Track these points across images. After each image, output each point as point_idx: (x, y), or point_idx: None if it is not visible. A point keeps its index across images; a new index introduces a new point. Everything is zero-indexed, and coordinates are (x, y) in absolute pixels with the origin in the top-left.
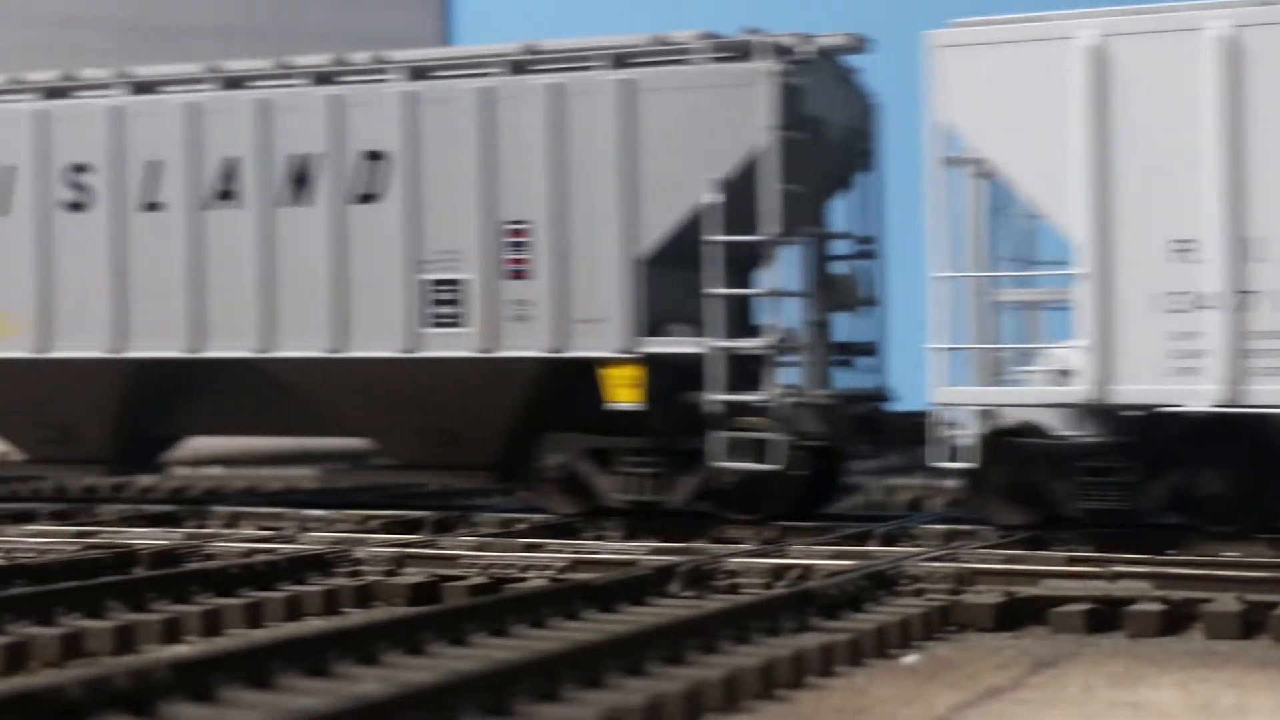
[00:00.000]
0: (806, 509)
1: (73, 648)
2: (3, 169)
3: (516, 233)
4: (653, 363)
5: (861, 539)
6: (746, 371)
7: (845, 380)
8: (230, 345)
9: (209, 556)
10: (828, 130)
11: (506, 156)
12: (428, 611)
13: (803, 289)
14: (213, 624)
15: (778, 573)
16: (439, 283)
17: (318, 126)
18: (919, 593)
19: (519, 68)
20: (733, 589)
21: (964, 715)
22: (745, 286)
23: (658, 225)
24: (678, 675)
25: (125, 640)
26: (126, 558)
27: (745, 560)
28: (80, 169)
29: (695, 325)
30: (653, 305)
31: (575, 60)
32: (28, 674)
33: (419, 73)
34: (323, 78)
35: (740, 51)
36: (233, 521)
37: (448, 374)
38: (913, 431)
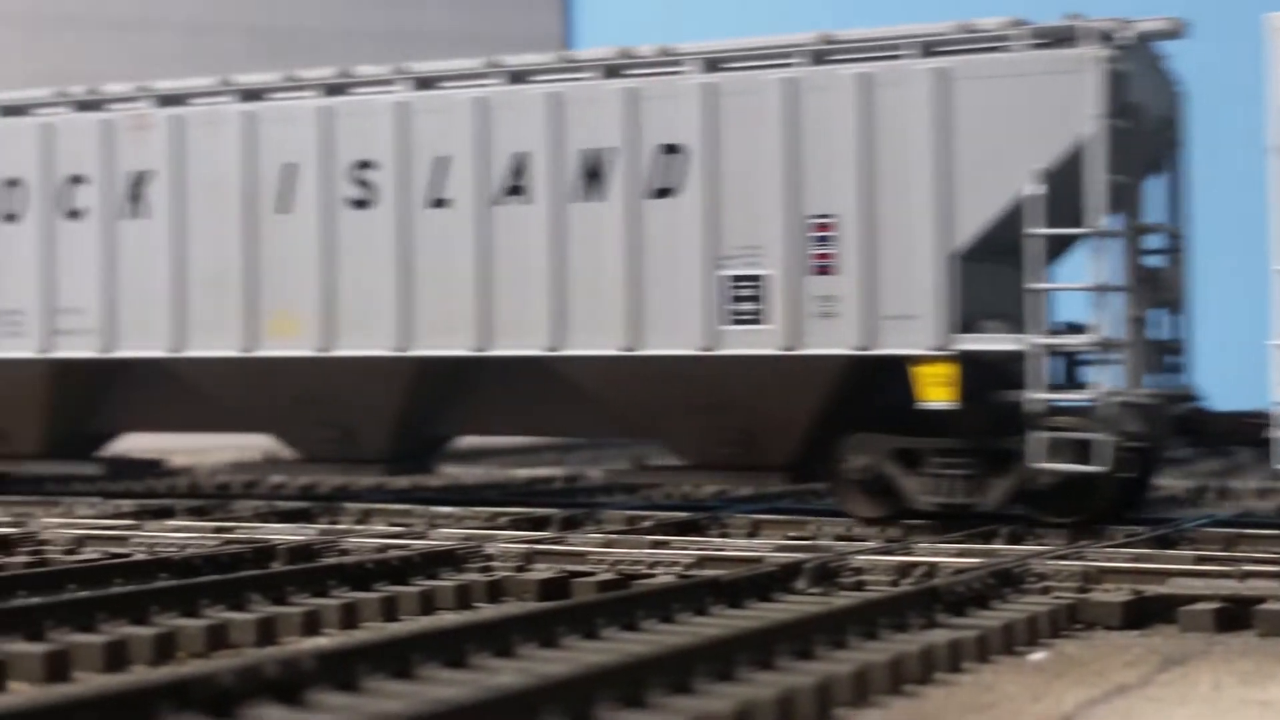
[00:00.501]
0: (1121, 511)
1: (218, 639)
2: (285, 166)
3: (822, 227)
4: (964, 360)
5: (987, 537)
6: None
7: (1156, 379)
8: (519, 344)
9: (344, 552)
10: (1145, 119)
11: (811, 148)
12: (560, 605)
13: (1124, 283)
14: (350, 617)
15: (903, 570)
16: (739, 279)
17: (612, 120)
18: (1046, 590)
19: (819, 57)
20: (859, 586)
21: (1092, 712)
22: (1048, 280)
23: (974, 218)
24: (808, 670)
25: (267, 632)
26: (265, 552)
27: (871, 558)
28: (365, 165)
29: (1006, 321)
30: (965, 300)
31: (881, 49)
32: (176, 664)
33: (713, 64)
34: (612, 70)
35: (1061, 38)
36: (364, 518)
37: (746, 372)
38: (1235, 433)
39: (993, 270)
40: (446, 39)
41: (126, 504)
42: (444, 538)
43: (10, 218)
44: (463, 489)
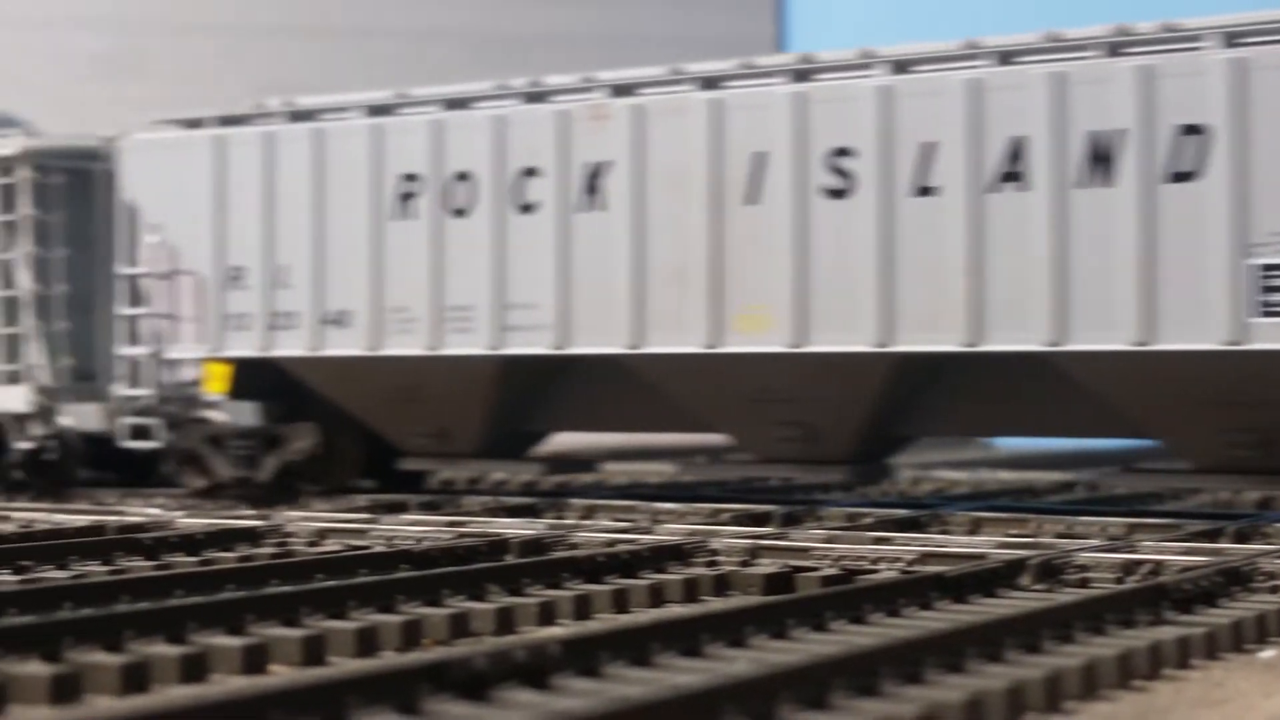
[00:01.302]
0: None
1: (460, 627)
2: (754, 155)
3: None
4: None
5: (1212, 536)
6: None
7: None
8: (1015, 338)
9: (573, 546)
10: None
11: None
12: (789, 598)
13: None
14: (584, 608)
15: (1128, 568)
16: (1271, 268)
17: (1123, 100)
18: (1275, 589)
19: None
20: (1084, 583)
21: None
22: None
23: None
24: (1036, 663)
25: (505, 621)
26: (498, 546)
27: (1095, 555)
28: (842, 153)
29: None
30: None
31: None
32: (421, 650)
33: (1233, 38)
34: (1113, 48)
35: None
36: (588, 513)
37: (1277, 368)
38: None
39: None
40: (658, 42)
41: (361, 499)
42: (669, 533)
43: (459, 212)
44: (681, 486)
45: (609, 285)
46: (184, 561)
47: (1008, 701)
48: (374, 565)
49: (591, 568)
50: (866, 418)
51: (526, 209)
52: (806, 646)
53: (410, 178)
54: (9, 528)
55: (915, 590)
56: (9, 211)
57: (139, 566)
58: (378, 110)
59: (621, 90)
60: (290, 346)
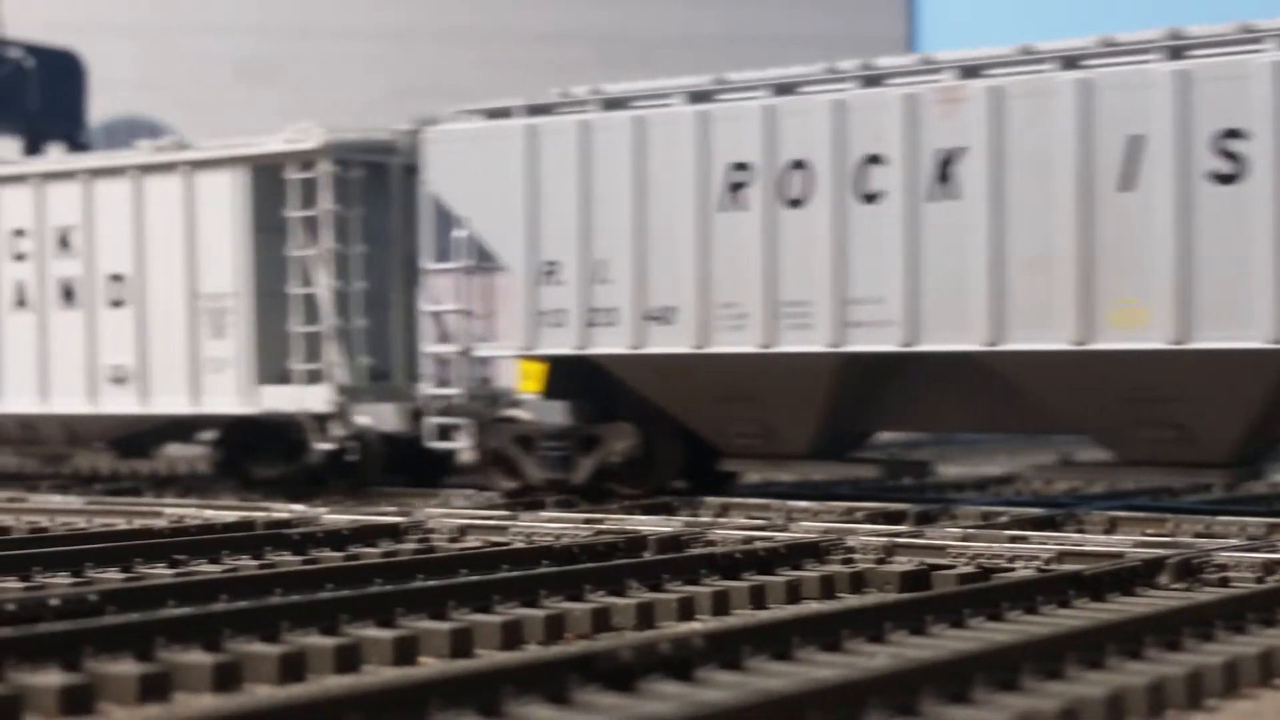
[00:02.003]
0: None
1: (601, 622)
2: (1130, 139)
3: None
4: None
5: None
6: None
7: None
8: None
9: (711, 543)
10: None
11: None
12: (928, 595)
13: None
14: (722, 604)
15: (1268, 567)
16: None
17: None
18: None
19: None
20: (1223, 582)
21: None
22: None
23: None
24: (1177, 661)
25: (646, 616)
26: (636, 542)
27: (1235, 554)
28: (1232, 135)
29: None
30: None
31: None
32: (564, 644)
33: None
34: None
35: None
36: (722, 511)
37: None
38: None
39: None
40: (784, 41)
41: (499, 496)
42: (804, 531)
43: (794, 203)
44: (812, 484)
45: (963, 279)
46: (331, 556)
47: (1149, 698)
48: (515, 561)
49: (729, 564)
50: (1253, 418)
51: (870, 198)
52: (946, 643)
53: (740, 166)
54: (161, 523)
55: (1053, 588)
56: (309, 207)
57: (288, 561)
58: (698, 97)
59: (969, 72)
60: (609, 344)
